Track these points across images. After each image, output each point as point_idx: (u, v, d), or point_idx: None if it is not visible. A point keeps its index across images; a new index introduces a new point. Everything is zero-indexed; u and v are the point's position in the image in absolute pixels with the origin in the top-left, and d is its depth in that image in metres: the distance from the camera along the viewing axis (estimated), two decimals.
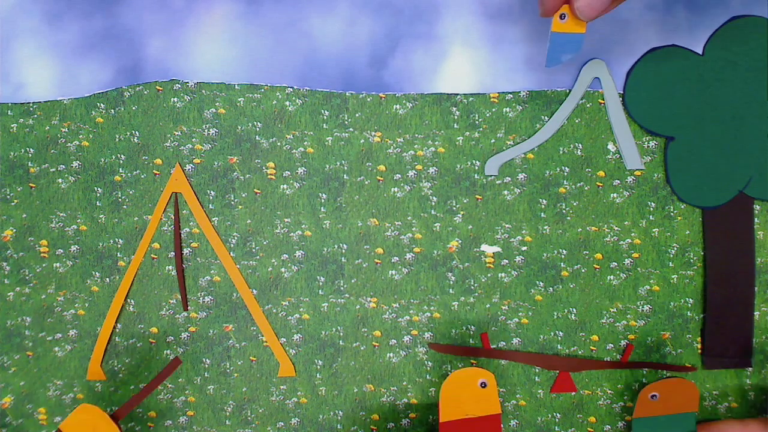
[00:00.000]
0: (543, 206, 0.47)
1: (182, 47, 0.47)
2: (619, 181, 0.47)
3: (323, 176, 0.47)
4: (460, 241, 0.47)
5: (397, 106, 0.47)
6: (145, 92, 0.47)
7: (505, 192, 0.47)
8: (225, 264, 0.47)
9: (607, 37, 0.47)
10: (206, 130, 0.47)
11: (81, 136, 0.47)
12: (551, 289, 0.48)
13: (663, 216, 0.48)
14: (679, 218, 0.48)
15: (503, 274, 0.47)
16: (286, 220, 0.47)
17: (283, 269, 0.47)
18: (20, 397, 0.47)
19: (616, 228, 0.48)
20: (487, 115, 0.47)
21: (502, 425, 0.46)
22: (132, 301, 0.47)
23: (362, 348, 0.47)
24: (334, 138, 0.47)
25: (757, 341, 0.48)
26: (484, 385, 0.44)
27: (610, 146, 0.47)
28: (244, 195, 0.47)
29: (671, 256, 0.48)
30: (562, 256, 0.48)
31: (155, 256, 0.47)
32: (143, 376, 0.47)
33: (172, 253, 0.47)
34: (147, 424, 0.47)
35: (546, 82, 0.47)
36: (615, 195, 0.47)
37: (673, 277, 0.48)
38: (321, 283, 0.47)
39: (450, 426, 0.45)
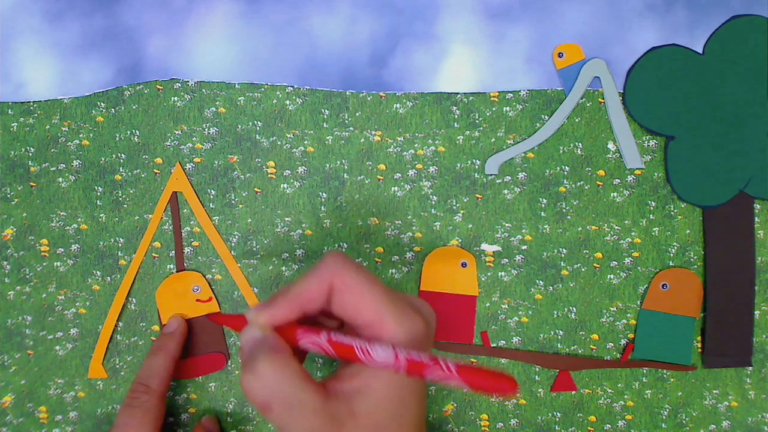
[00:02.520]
0: (543, 205, 0.48)
1: (183, 46, 0.47)
2: (619, 180, 0.47)
3: (323, 175, 0.47)
4: (460, 240, 0.47)
5: (398, 105, 0.47)
6: (146, 91, 0.47)
7: (506, 191, 0.48)
8: (226, 263, 0.47)
9: (607, 37, 0.47)
10: (206, 129, 0.47)
11: (81, 135, 0.47)
12: (551, 288, 0.48)
13: (663, 215, 0.48)
14: (680, 217, 0.48)
15: (503, 273, 0.48)
16: (286, 219, 0.47)
17: (283, 268, 0.47)
18: (21, 396, 0.47)
19: (616, 227, 0.48)
20: (488, 114, 0.47)
21: (476, 308, 0.47)
22: (133, 299, 0.47)
23: None
24: (334, 137, 0.47)
25: (757, 340, 0.48)
26: (464, 265, 0.46)
27: (610, 145, 0.47)
28: (244, 194, 0.47)
29: (671, 255, 0.48)
30: (563, 255, 0.48)
31: (156, 255, 0.47)
32: None
33: (173, 252, 0.47)
34: None
35: (546, 81, 0.47)
36: (615, 194, 0.48)
37: None
38: None
39: (428, 296, 0.47)
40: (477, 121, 0.47)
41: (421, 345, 0.32)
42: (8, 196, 0.47)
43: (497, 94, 0.47)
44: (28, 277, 0.47)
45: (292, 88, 0.47)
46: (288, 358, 0.31)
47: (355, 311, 0.32)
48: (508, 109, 0.47)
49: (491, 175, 0.47)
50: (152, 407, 0.41)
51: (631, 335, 0.48)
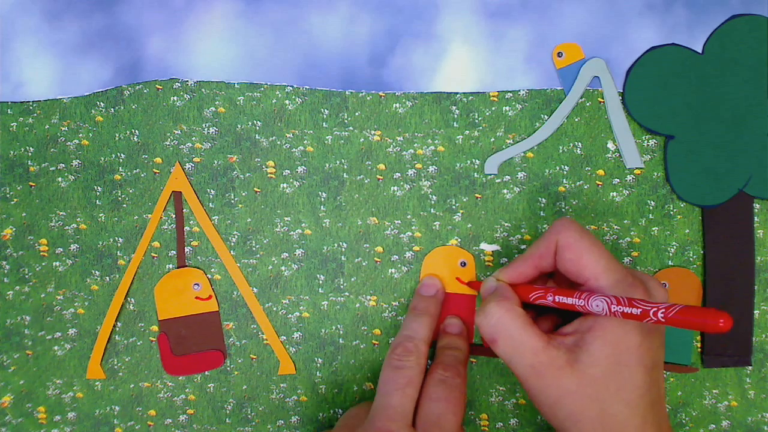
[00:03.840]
0: (542, 205, 0.48)
1: (182, 46, 0.47)
2: (618, 180, 0.47)
3: (323, 175, 0.47)
4: (459, 240, 0.47)
5: (397, 105, 0.47)
6: (145, 91, 0.47)
7: (505, 191, 0.48)
8: (225, 262, 0.47)
9: (606, 36, 0.47)
10: (206, 129, 0.47)
11: (81, 135, 0.47)
12: None
13: (662, 215, 0.48)
14: (679, 217, 0.48)
15: None
16: (286, 218, 0.47)
17: (283, 267, 0.47)
18: (20, 396, 0.47)
19: (615, 227, 0.48)
20: (487, 113, 0.47)
21: (476, 307, 0.47)
22: (132, 299, 0.47)
23: (362, 346, 0.47)
24: (333, 137, 0.47)
25: (757, 340, 0.48)
26: (464, 264, 0.47)
27: (610, 145, 0.47)
28: (244, 194, 0.47)
29: (671, 254, 0.48)
30: None
31: (155, 255, 0.47)
32: (143, 374, 0.47)
33: (173, 252, 0.47)
34: (146, 423, 0.47)
35: (545, 80, 0.47)
36: (614, 194, 0.48)
37: None
38: (321, 282, 0.47)
39: None
40: (476, 121, 0.47)
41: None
42: (7, 195, 0.47)
43: (497, 93, 0.47)
44: (27, 276, 0.47)
45: (291, 88, 0.47)
46: (514, 304, 0.37)
47: (576, 267, 0.36)
48: (507, 108, 0.47)
49: (490, 174, 0.47)
50: (420, 370, 0.39)
51: None
